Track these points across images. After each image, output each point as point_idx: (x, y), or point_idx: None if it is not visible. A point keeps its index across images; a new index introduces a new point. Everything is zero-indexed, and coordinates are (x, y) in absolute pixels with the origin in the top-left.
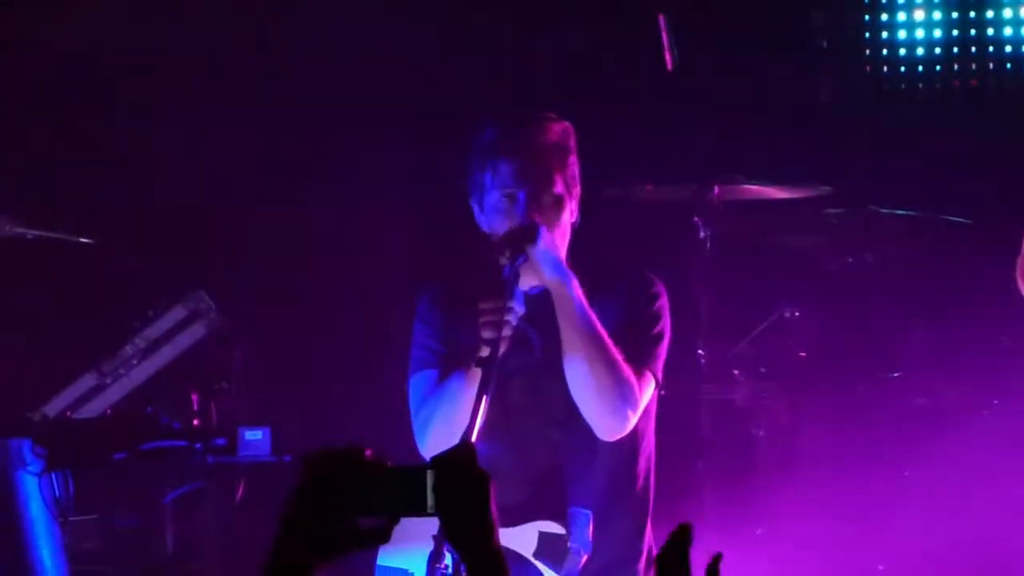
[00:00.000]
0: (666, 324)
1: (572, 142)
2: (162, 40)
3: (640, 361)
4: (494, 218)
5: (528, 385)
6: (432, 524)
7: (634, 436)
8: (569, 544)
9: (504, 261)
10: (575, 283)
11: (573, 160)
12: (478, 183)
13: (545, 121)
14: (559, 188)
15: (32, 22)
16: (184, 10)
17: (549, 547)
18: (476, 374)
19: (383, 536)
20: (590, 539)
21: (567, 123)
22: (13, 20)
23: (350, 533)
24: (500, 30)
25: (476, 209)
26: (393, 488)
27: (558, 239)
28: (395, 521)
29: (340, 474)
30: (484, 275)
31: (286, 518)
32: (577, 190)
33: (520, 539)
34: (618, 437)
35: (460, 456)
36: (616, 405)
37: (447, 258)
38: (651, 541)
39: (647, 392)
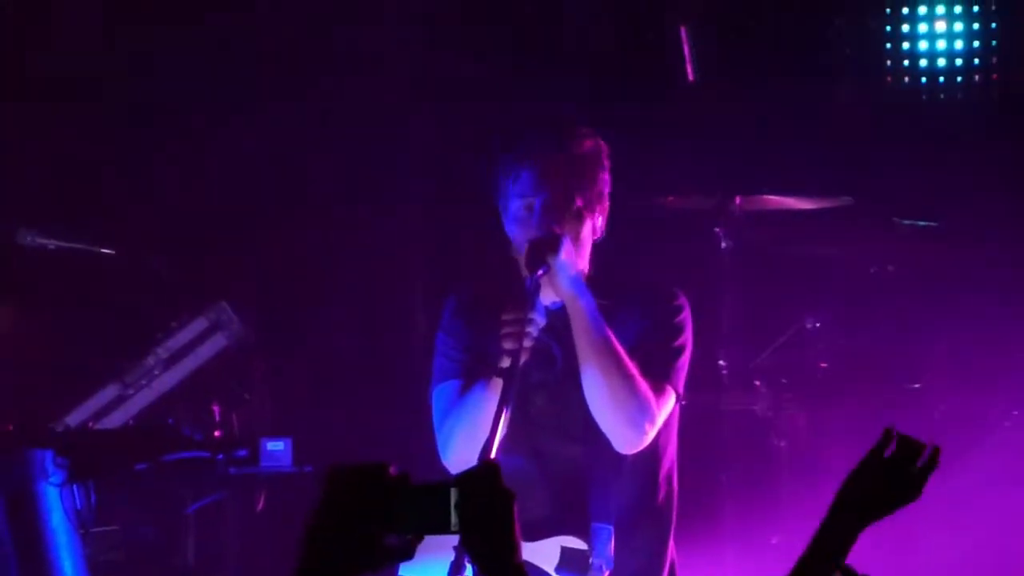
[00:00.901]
0: (688, 337)
1: (602, 157)
2: (180, 55)
3: (660, 374)
4: (513, 226)
5: (550, 398)
6: (454, 535)
7: (655, 450)
8: (591, 560)
9: (526, 272)
10: (590, 297)
11: (603, 177)
12: (502, 190)
13: (574, 133)
14: (578, 201)
15: (61, 33)
16: (196, 28)
17: (571, 562)
18: (498, 384)
19: (407, 553)
20: (612, 554)
21: (599, 139)
22: (38, 32)
23: (374, 549)
24: (524, 38)
25: (503, 215)
26: (417, 505)
27: (577, 252)
28: (419, 538)
29: (364, 491)
30: (507, 283)
31: (309, 534)
32: (604, 206)
33: (542, 554)
34: (636, 450)
35: (484, 474)
36: (633, 418)
37: (470, 266)
38: (674, 555)
39: (666, 406)
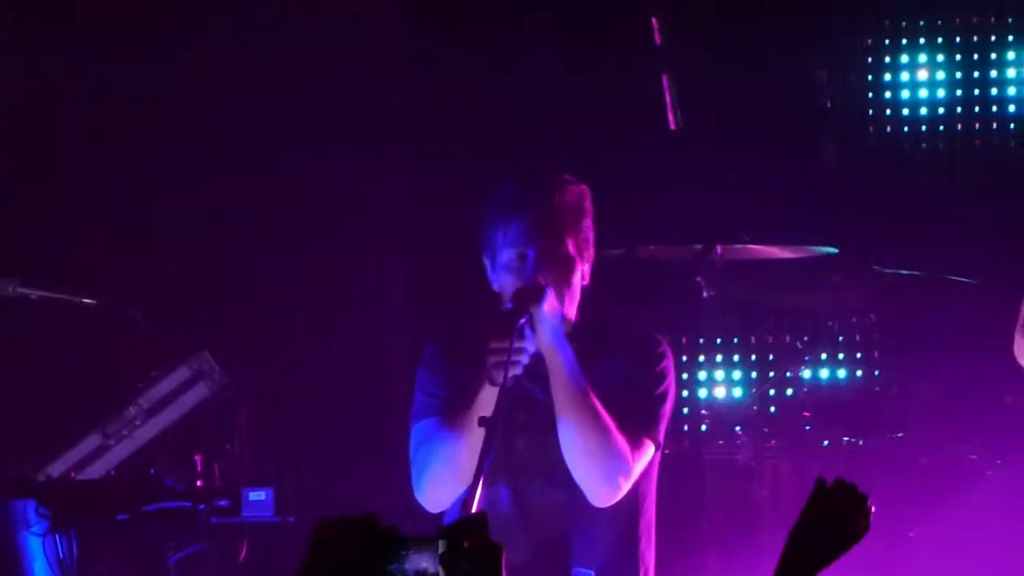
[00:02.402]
0: (670, 385)
1: (587, 204)
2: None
3: (640, 425)
4: (504, 276)
5: (532, 443)
6: None
7: (635, 497)
8: None
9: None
10: (569, 351)
11: (588, 224)
12: (490, 240)
13: (561, 182)
14: (570, 249)
15: (39, 85)
16: (183, 67)
17: None
18: (476, 425)
19: None
20: None
21: (584, 186)
22: (22, 84)
23: None
24: (503, 87)
25: (488, 266)
26: (404, 557)
27: (567, 301)
28: None
29: (352, 543)
30: (490, 326)
31: None
32: (590, 253)
33: None
34: (609, 504)
35: (472, 526)
36: (607, 473)
37: (452, 313)
38: None
39: (643, 458)
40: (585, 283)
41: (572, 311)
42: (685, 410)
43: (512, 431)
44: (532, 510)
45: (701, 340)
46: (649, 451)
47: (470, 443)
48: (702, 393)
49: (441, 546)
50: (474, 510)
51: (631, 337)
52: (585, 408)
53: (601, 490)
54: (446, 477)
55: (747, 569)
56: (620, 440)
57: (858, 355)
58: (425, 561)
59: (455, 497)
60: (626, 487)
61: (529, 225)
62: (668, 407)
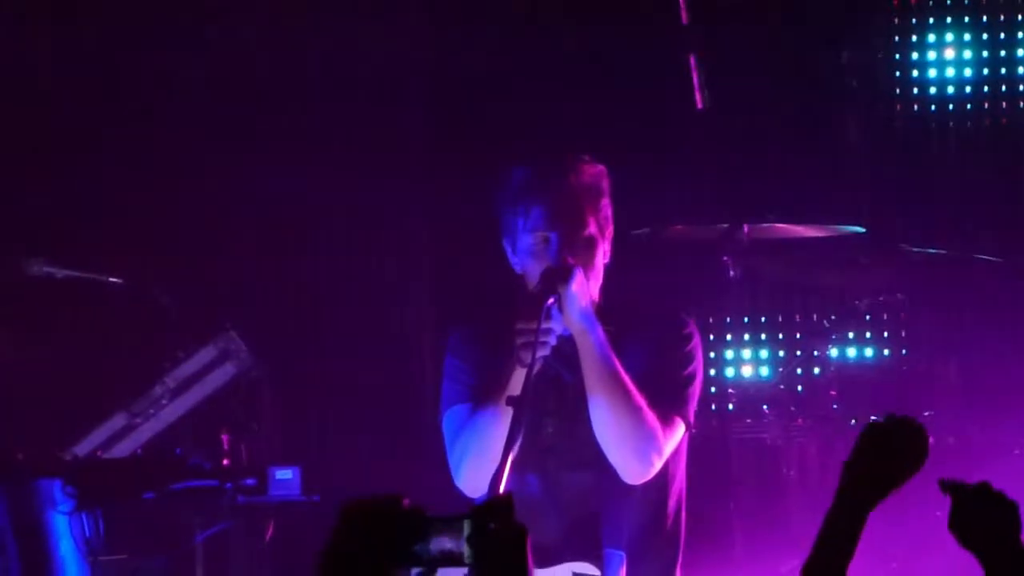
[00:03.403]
0: (699, 365)
1: (605, 184)
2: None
3: (670, 405)
4: (527, 260)
5: (561, 425)
6: (467, 568)
7: (664, 477)
8: None
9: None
10: (599, 330)
11: (606, 202)
12: (511, 226)
13: (578, 163)
14: (592, 229)
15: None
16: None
17: None
18: (508, 409)
19: None
20: None
21: (601, 166)
22: (39, 61)
23: None
24: (530, 70)
25: (509, 250)
26: (430, 538)
27: (591, 280)
28: (432, 572)
29: (377, 524)
30: (514, 312)
31: (322, 568)
32: (610, 231)
33: None
34: (643, 481)
35: (497, 507)
36: (639, 451)
37: (478, 294)
38: None
39: (674, 437)
40: (606, 260)
41: (596, 291)
42: (712, 389)
43: (540, 414)
44: (562, 493)
45: (728, 319)
46: (680, 430)
47: (505, 427)
48: (729, 372)
49: (466, 527)
50: (501, 491)
51: (658, 317)
52: (617, 387)
53: (634, 468)
54: (484, 463)
55: (774, 547)
56: (652, 418)
57: (885, 334)
58: (450, 542)
59: None
60: (659, 464)
61: (550, 209)
62: (697, 387)
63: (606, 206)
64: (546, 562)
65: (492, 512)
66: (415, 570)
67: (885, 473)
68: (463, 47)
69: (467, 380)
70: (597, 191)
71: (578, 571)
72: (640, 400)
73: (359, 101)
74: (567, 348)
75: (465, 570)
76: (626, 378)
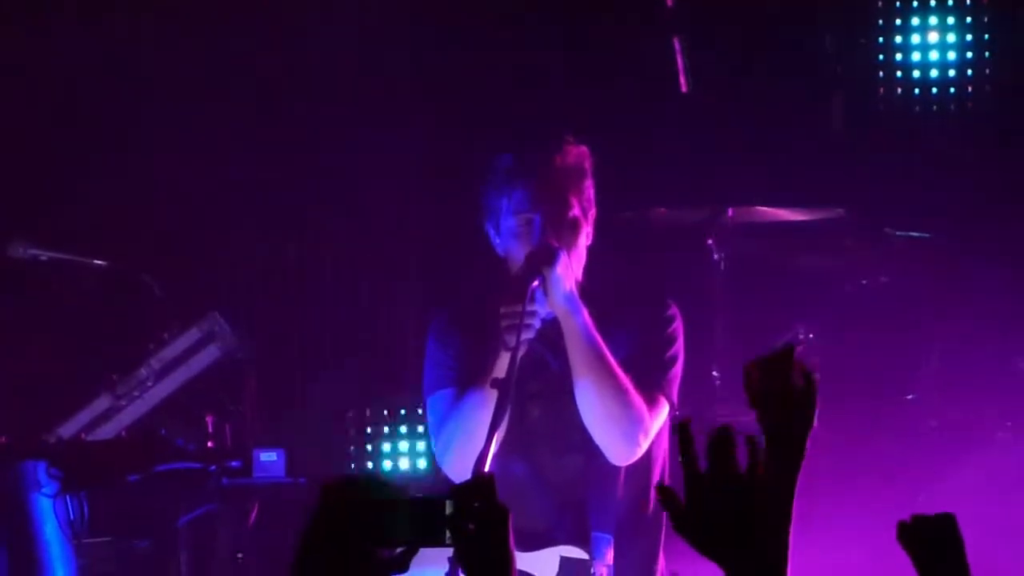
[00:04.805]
0: (681, 347)
1: (588, 165)
2: (174, 62)
3: (653, 385)
4: (510, 242)
5: (545, 408)
6: (448, 548)
7: (648, 460)
8: (593, 569)
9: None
10: (584, 312)
11: (589, 183)
12: (494, 208)
13: (560, 144)
14: (575, 211)
15: (49, 48)
16: (196, 33)
17: (571, 572)
18: (493, 392)
19: (401, 566)
20: (611, 563)
21: (583, 147)
22: (28, 45)
23: (368, 563)
24: (512, 51)
25: (492, 233)
26: (411, 518)
27: (574, 262)
28: (414, 551)
29: (358, 504)
30: (499, 298)
31: (303, 547)
32: (593, 213)
33: (541, 564)
34: (629, 462)
35: (478, 487)
36: (626, 431)
37: (461, 280)
38: (663, 567)
39: (659, 417)
40: (589, 242)
41: (579, 272)
42: (694, 371)
43: (525, 398)
44: (549, 477)
45: (711, 302)
46: (665, 410)
47: (490, 411)
48: (711, 353)
49: (448, 507)
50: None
51: (640, 300)
52: (602, 368)
53: (621, 449)
54: (471, 447)
55: None
56: (637, 399)
57: (868, 317)
58: (431, 522)
59: None
60: (645, 445)
61: (533, 190)
62: (679, 368)
63: (589, 187)
64: (534, 546)
65: (474, 492)
66: (397, 550)
67: (789, 419)
68: (449, 28)
69: (451, 365)
70: (580, 172)
71: (566, 555)
72: (625, 381)
73: (347, 73)
74: (551, 332)
75: (450, 550)
76: (611, 360)
